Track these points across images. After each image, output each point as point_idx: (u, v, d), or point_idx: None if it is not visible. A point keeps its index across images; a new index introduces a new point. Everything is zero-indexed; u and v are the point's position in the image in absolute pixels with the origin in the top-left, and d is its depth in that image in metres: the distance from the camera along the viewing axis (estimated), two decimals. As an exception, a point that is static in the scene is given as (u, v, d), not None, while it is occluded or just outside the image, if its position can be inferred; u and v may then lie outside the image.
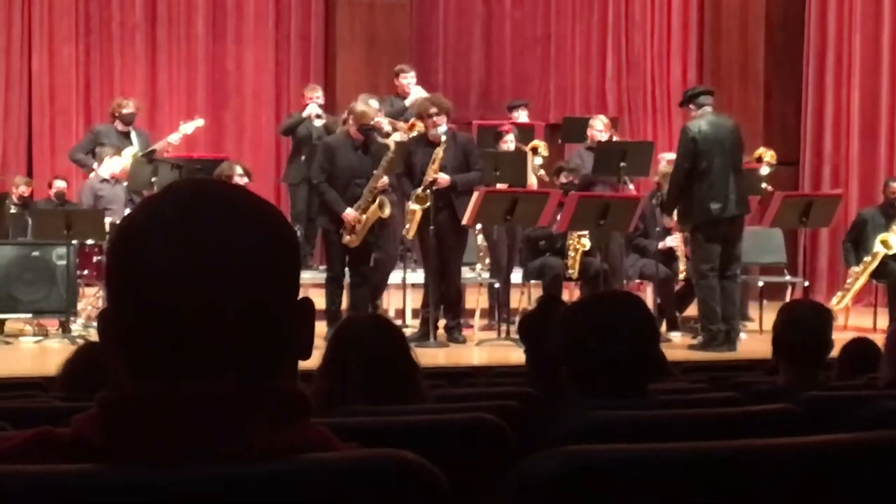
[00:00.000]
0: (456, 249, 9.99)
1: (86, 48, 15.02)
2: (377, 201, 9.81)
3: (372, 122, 10.08)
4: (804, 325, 4.58)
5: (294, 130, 12.63)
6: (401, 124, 11.10)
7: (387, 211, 9.84)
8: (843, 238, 11.93)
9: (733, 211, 9.58)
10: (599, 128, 11.61)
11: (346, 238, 9.80)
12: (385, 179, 9.88)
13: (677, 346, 9.88)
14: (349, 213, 9.76)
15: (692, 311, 10.41)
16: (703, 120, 9.71)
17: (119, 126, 12.21)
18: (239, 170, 10.56)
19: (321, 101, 12.65)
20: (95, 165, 11.72)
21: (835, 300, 11.38)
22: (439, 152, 9.77)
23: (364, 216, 9.79)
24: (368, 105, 10.42)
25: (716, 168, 9.54)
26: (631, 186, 11.35)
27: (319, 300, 9.62)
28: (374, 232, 9.93)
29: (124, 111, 12.22)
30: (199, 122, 12.58)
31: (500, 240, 10.78)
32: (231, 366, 1.42)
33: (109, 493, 1.35)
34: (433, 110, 9.92)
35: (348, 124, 10.10)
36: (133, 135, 12.22)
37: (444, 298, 9.99)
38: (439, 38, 16.38)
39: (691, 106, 9.88)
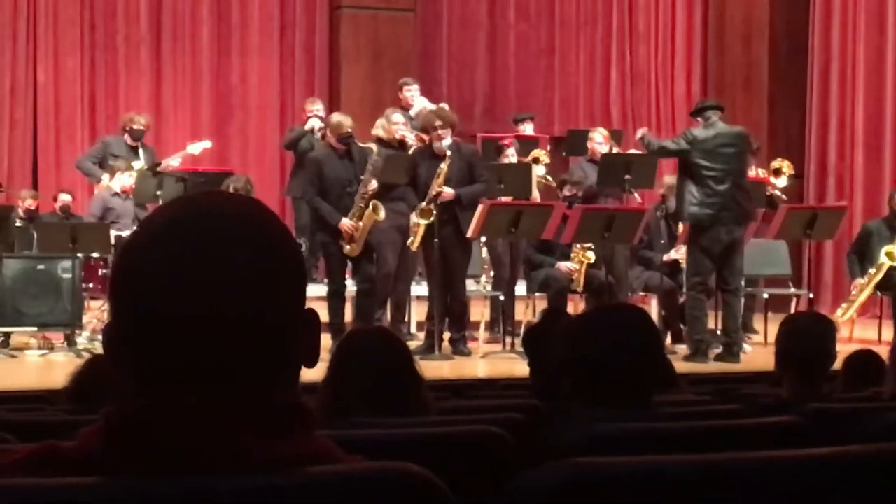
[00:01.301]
0: (460, 262, 9.99)
1: (91, 61, 15.02)
2: (371, 206, 9.82)
3: (349, 131, 10.07)
4: (807, 337, 4.58)
5: (296, 144, 12.63)
6: (424, 136, 11.05)
7: (381, 214, 9.84)
8: (848, 250, 11.92)
9: (727, 217, 9.58)
10: (599, 140, 11.52)
11: (347, 248, 9.81)
12: (374, 183, 9.90)
13: (681, 358, 9.87)
14: (345, 222, 9.78)
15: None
16: (709, 129, 9.76)
17: (128, 139, 12.25)
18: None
19: (322, 113, 12.65)
20: (106, 177, 11.73)
21: (839, 312, 11.37)
22: (443, 167, 9.77)
23: (360, 223, 9.82)
24: (343, 115, 10.42)
25: (710, 174, 9.58)
26: (637, 196, 11.32)
27: (324, 313, 9.63)
28: (373, 234, 9.94)
29: (135, 126, 12.26)
30: (207, 143, 12.61)
31: (503, 252, 10.79)
32: (234, 378, 1.43)
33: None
34: (438, 123, 9.93)
35: (328, 137, 10.18)
36: (140, 150, 12.25)
37: (449, 311, 9.99)
38: (443, 50, 16.38)
39: (699, 118, 9.94)
